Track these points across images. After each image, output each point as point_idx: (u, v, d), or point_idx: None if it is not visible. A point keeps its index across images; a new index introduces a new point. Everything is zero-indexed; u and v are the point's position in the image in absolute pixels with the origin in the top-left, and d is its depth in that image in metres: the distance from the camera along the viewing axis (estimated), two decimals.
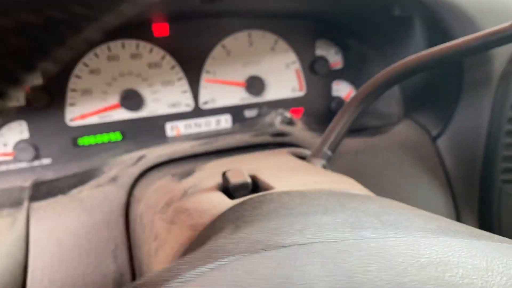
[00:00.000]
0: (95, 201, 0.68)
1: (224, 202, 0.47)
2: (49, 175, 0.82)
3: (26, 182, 0.74)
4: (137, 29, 0.88)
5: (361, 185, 0.57)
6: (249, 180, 0.52)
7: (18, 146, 0.83)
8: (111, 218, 0.67)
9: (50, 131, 0.86)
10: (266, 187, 0.52)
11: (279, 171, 0.58)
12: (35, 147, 0.84)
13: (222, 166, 0.65)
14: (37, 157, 0.85)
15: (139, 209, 0.66)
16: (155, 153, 0.75)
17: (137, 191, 0.71)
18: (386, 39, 0.97)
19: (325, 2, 0.88)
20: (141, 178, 0.72)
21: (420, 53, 0.65)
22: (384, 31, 0.95)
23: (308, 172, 0.57)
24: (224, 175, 0.53)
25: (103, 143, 0.90)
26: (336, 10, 0.93)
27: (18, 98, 0.82)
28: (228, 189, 0.52)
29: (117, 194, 0.69)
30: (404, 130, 0.93)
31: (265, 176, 0.55)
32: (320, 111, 1.06)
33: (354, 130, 0.90)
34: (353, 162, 0.83)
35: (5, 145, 0.83)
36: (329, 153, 0.68)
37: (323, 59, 1.03)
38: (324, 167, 0.67)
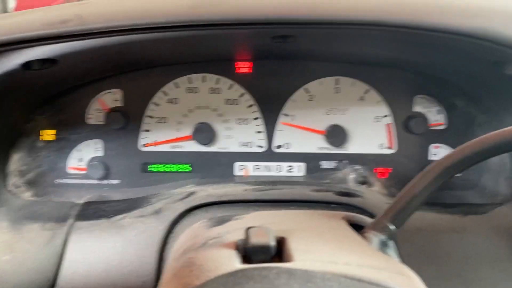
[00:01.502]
0: (134, 232, 0.65)
1: (226, 268, 0.40)
2: (115, 196, 0.84)
3: (81, 199, 0.75)
4: (219, 64, 0.87)
5: (420, 283, 0.45)
6: (272, 243, 0.45)
7: (91, 162, 0.86)
8: (145, 252, 0.64)
9: (123, 153, 0.88)
10: (287, 256, 0.44)
11: (316, 239, 0.49)
12: (107, 167, 0.87)
13: (260, 219, 0.58)
14: (106, 176, 0.87)
15: (173, 248, 0.62)
16: (205, 192, 0.70)
17: (178, 229, 0.67)
18: (500, 102, 0.81)
19: (425, 53, 0.76)
20: (187, 215, 0.68)
21: None
22: (498, 93, 0.80)
23: (350, 248, 0.47)
24: (246, 232, 0.46)
25: (171, 172, 0.90)
26: (438, 63, 0.81)
27: (98, 118, 0.86)
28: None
29: (157, 228, 0.65)
30: (510, 214, 0.75)
31: (295, 242, 0.47)
32: (410, 176, 0.91)
33: (440, 204, 0.75)
34: (432, 244, 0.68)
35: (80, 159, 0.87)
36: (391, 227, 0.56)
37: (421, 117, 0.90)
38: (384, 244, 0.55)
